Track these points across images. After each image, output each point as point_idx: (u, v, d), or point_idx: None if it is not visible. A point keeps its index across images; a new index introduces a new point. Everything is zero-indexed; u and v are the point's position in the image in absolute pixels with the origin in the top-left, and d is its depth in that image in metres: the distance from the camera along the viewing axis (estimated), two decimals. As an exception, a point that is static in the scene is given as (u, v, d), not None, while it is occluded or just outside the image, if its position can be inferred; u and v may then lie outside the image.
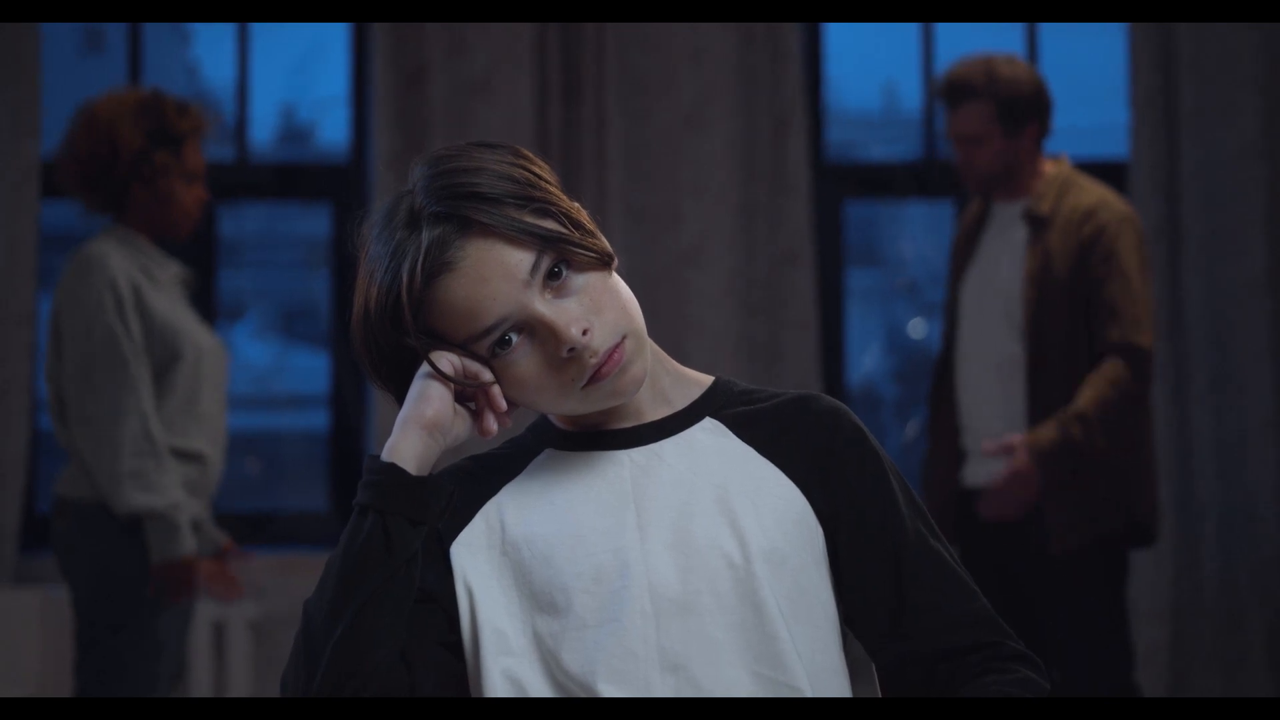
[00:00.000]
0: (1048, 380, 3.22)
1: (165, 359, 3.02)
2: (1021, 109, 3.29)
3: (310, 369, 5.69)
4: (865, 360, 6.94)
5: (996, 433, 3.27)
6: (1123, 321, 3.17)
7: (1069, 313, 3.22)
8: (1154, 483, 3.28)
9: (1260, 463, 4.08)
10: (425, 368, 1.39)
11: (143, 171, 3.05)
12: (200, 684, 3.93)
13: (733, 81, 4.20)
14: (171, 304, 3.10)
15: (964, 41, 3.92)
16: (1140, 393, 3.20)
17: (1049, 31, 4.38)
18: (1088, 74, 4.58)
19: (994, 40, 3.77)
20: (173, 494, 2.93)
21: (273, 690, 3.96)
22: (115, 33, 4.86)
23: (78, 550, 3.00)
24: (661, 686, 1.36)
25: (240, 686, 3.98)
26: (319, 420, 4.62)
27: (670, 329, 4.06)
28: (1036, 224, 3.28)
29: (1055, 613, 3.22)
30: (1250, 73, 4.12)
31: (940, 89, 3.37)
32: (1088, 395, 3.13)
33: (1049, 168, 3.35)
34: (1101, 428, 3.13)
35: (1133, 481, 3.23)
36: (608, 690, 1.36)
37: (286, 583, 4.01)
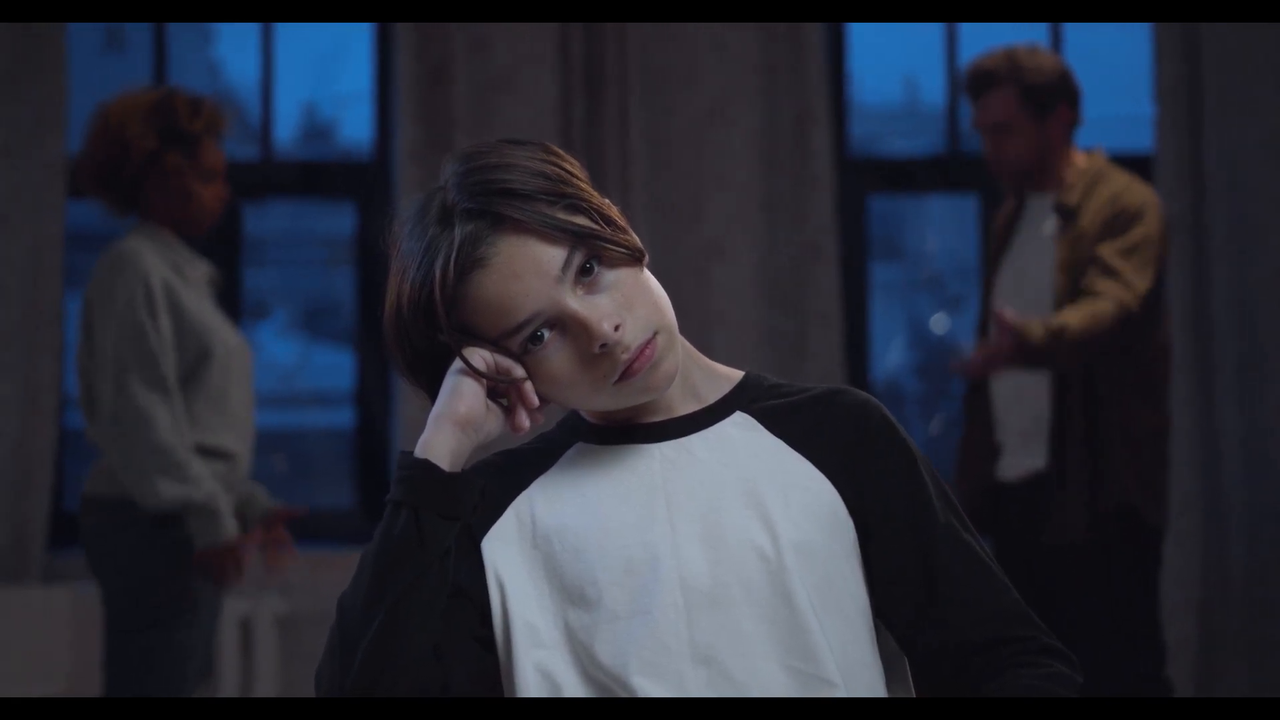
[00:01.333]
0: (1076, 370, 3.22)
1: (196, 356, 3.03)
2: (1046, 93, 3.28)
3: (334, 366, 5.71)
4: (888, 355, 6.93)
5: (1029, 428, 3.27)
6: (1120, 280, 3.16)
7: None
8: (1162, 473, 3.26)
9: (1286, 454, 4.07)
10: (458, 364, 1.39)
11: (154, 172, 3.05)
12: (227, 681, 3.95)
13: (755, 76, 4.20)
14: (201, 302, 3.11)
15: (986, 35, 3.91)
16: (1116, 326, 3.15)
17: (1072, 23, 4.37)
18: (1112, 67, 4.56)
19: (1017, 34, 3.77)
20: (207, 484, 2.95)
21: (300, 687, 3.98)
22: (138, 32, 4.88)
23: (107, 548, 3.01)
24: (694, 678, 1.37)
25: (267, 684, 3.99)
26: (343, 418, 4.63)
27: (694, 323, 4.06)
28: (1066, 216, 3.27)
29: (1082, 607, 3.21)
30: (1275, 65, 4.10)
31: (964, 82, 3.37)
32: (1081, 318, 3.12)
33: (1082, 160, 3.33)
34: (1077, 352, 3.14)
35: (1141, 470, 3.21)
36: (640, 682, 1.36)
37: (313, 580, 4.02)
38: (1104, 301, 3.14)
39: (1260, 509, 4.10)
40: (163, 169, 3.06)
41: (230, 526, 2.97)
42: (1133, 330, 3.19)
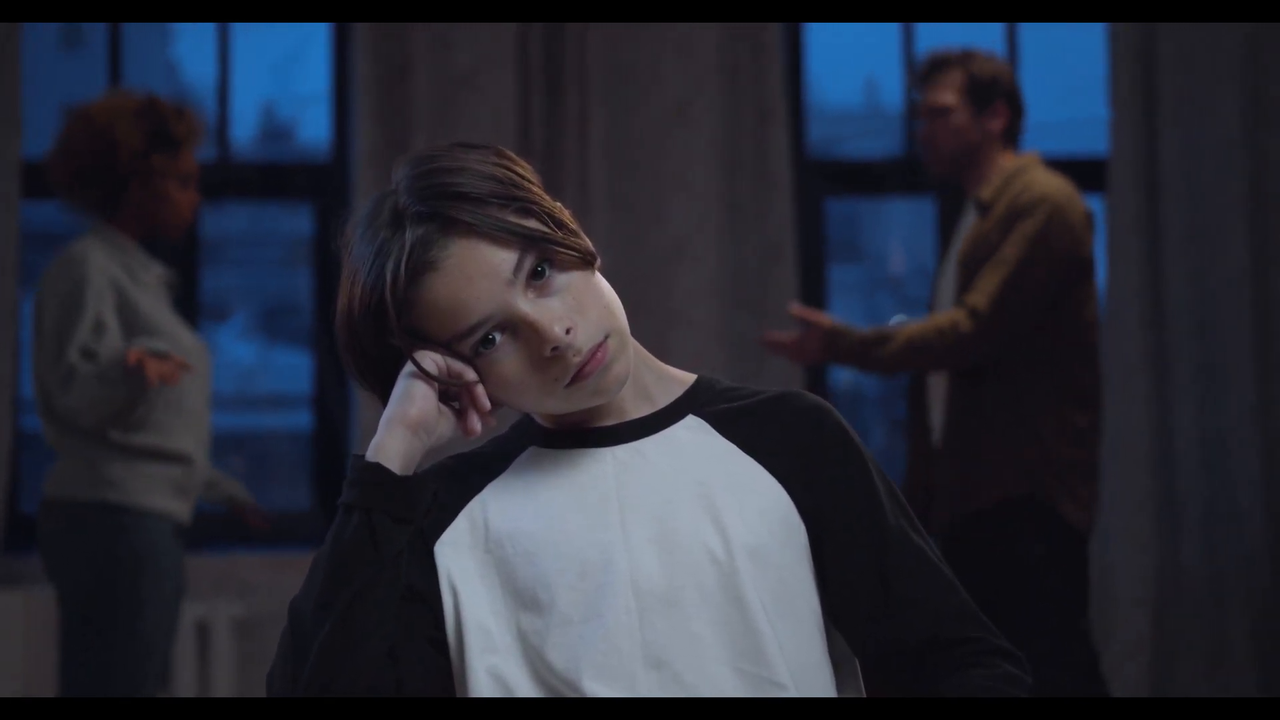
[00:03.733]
0: (994, 372, 3.23)
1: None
2: (990, 88, 3.32)
3: (293, 367, 5.69)
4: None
5: (949, 432, 3.28)
6: (976, 289, 3.18)
7: None
8: (1085, 473, 3.24)
9: (1242, 455, 4.10)
10: (409, 367, 1.39)
11: (139, 172, 3.08)
12: (184, 683, 3.93)
13: (715, 76, 4.21)
14: (155, 304, 3.11)
15: (944, 37, 3.93)
16: (956, 347, 3.17)
17: (1028, 25, 4.40)
18: (1067, 69, 4.59)
19: (974, 35, 3.79)
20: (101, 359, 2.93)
21: (257, 689, 3.96)
22: (94, 31, 4.84)
23: (65, 550, 3.00)
24: (645, 682, 1.37)
25: (224, 685, 3.97)
26: (302, 419, 4.62)
27: (655, 323, 4.06)
28: (981, 210, 3.30)
29: (1006, 605, 3.20)
30: (1230, 66, 4.13)
31: (917, 69, 3.44)
32: (911, 331, 3.21)
33: (1010, 161, 3.35)
34: (900, 360, 3.22)
35: (1054, 469, 3.21)
36: (592, 686, 1.36)
37: (271, 582, 4.01)
38: (944, 318, 3.20)
39: (1215, 509, 4.13)
40: (148, 170, 3.09)
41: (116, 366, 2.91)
42: (992, 338, 3.18)
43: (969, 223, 3.35)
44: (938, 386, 3.36)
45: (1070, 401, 3.22)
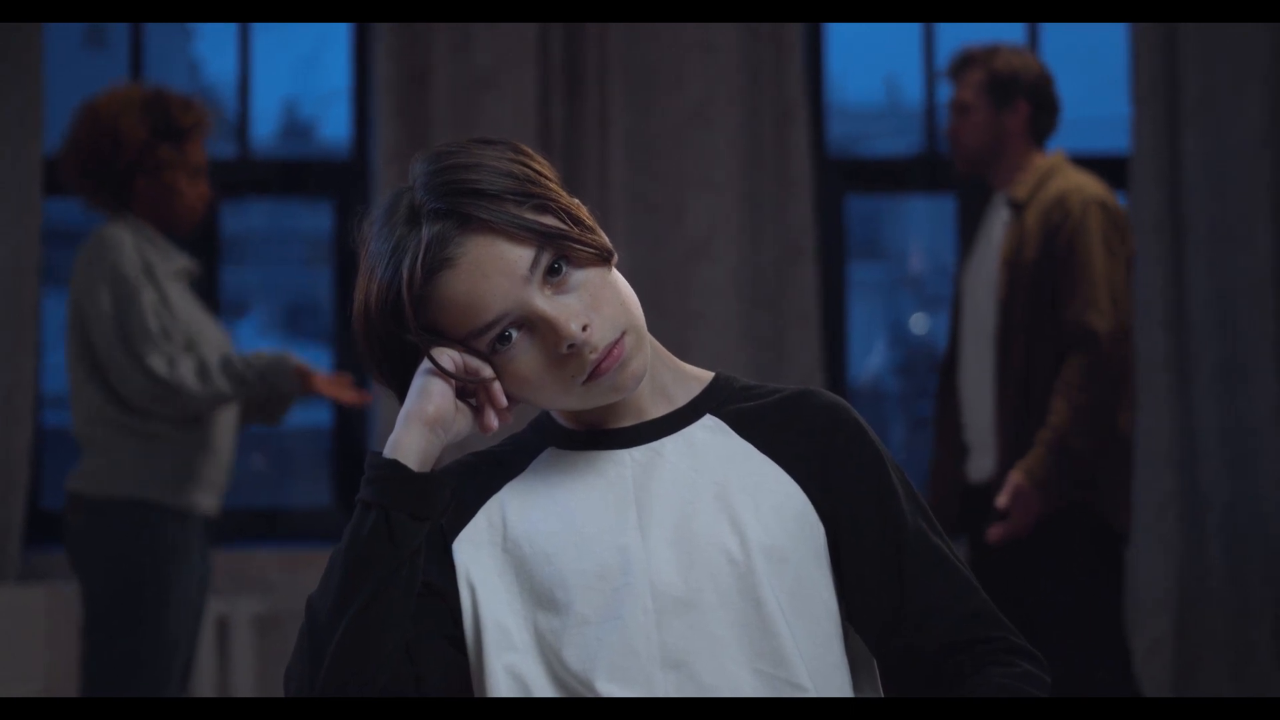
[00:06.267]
0: (1015, 363, 3.22)
1: (180, 345, 3.03)
2: (1010, 85, 3.33)
3: (313, 364, 5.69)
4: (868, 355, 6.95)
5: (987, 427, 3.28)
6: (1077, 303, 3.16)
7: (1035, 298, 3.22)
8: (1126, 477, 3.25)
9: (1266, 454, 4.08)
10: (426, 364, 1.39)
11: (144, 165, 3.07)
12: (204, 680, 3.94)
13: (736, 75, 4.20)
14: (181, 294, 3.11)
15: (966, 34, 3.92)
16: (1107, 378, 3.16)
17: (1050, 24, 4.38)
18: (1089, 67, 4.58)
19: (996, 31, 3.79)
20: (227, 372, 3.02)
21: (277, 686, 3.97)
22: (117, 30, 4.86)
23: (92, 545, 3.00)
24: (663, 683, 1.37)
25: (244, 682, 3.98)
26: (322, 416, 4.62)
27: (675, 322, 4.06)
28: (1015, 210, 3.30)
29: (1047, 610, 3.21)
30: (1253, 64, 4.11)
31: (947, 66, 3.46)
32: (1060, 409, 3.12)
33: (1040, 159, 3.36)
34: (1082, 434, 3.13)
35: (1100, 473, 3.21)
36: (608, 687, 1.36)
37: (291, 578, 4.02)
38: (1067, 368, 3.14)
39: (1238, 509, 4.11)
40: (153, 162, 3.07)
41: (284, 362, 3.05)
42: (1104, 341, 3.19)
43: (1002, 221, 3.34)
44: (969, 383, 3.35)
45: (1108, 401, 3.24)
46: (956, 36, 4.22)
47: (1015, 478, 3.12)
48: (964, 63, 3.39)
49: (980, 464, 3.33)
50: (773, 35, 4.20)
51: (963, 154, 3.40)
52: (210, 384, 2.97)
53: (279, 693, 3.90)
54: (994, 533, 3.17)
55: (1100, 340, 3.15)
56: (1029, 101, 3.34)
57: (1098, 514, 3.21)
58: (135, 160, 3.06)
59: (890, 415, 6.72)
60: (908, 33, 4.50)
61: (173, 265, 3.12)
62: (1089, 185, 3.27)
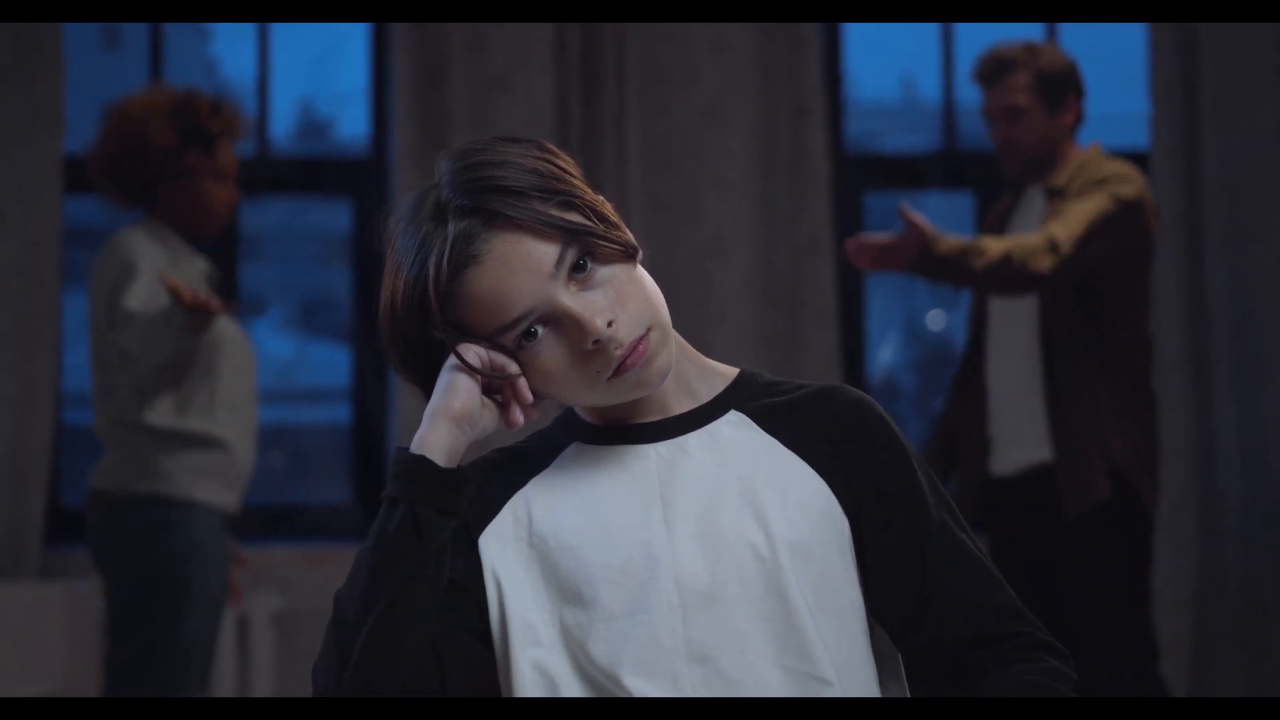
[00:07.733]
0: (1059, 350, 3.21)
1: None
2: (1061, 84, 3.31)
3: (330, 362, 5.71)
4: (885, 351, 6.94)
5: (1022, 419, 3.28)
6: (1063, 221, 3.11)
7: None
8: (1155, 462, 3.26)
9: (1283, 452, 4.07)
10: (452, 360, 1.39)
11: (172, 170, 3.08)
12: (224, 678, 3.95)
13: (752, 74, 4.21)
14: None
15: (982, 31, 3.92)
16: (1035, 284, 3.10)
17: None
18: (1108, 65, 4.57)
19: (1012, 28, 3.78)
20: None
21: (297, 685, 3.98)
22: (134, 30, 4.88)
23: (113, 542, 3.02)
24: (689, 677, 1.37)
25: (264, 680, 3.99)
26: (340, 414, 4.64)
27: (692, 321, 4.07)
28: (1053, 196, 3.29)
29: (1075, 603, 3.21)
30: (1271, 61, 4.10)
31: (979, 68, 3.37)
32: (1003, 244, 3.07)
33: (1077, 152, 3.35)
34: (989, 274, 3.06)
35: (1137, 453, 3.21)
36: (634, 682, 1.37)
37: (310, 576, 4.03)
38: (1031, 237, 3.11)
39: (1256, 506, 4.10)
40: (179, 167, 3.09)
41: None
42: (1072, 297, 3.16)
43: (1037, 211, 3.33)
44: (996, 373, 3.35)
45: (1141, 397, 3.23)
46: (973, 33, 4.22)
47: (929, 225, 3.07)
48: (1001, 65, 3.31)
49: (1009, 455, 3.31)
50: (788, 34, 4.20)
51: (1020, 158, 3.33)
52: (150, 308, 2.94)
53: (299, 690, 3.92)
54: (851, 244, 3.14)
55: (1057, 251, 3.07)
56: (1076, 97, 3.33)
57: (1134, 493, 3.19)
58: (161, 165, 3.08)
59: (906, 412, 6.71)
60: (924, 30, 4.50)
61: (192, 268, 3.13)
62: (1132, 173, 3.27)
